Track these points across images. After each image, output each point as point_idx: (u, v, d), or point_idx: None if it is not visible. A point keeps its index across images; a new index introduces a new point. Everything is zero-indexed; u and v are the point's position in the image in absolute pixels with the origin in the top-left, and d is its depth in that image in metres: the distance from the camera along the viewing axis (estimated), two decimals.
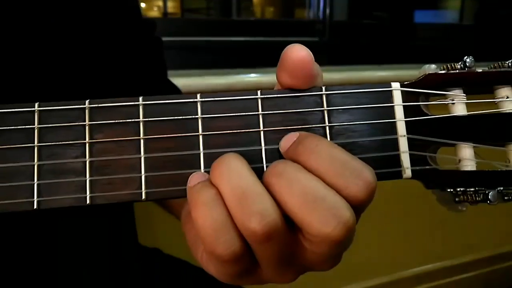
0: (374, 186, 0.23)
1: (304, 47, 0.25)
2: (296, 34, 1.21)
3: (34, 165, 0.25)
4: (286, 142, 0.25)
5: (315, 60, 0.26)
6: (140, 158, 0.25)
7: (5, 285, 0.38)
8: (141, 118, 0.26)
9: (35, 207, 0.25)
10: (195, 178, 0.24)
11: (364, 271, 1.10)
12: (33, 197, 0.25)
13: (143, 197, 0.25)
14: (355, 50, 1.21)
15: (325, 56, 1.12)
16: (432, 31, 1.51)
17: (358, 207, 0.23)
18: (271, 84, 1.10)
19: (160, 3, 1.37)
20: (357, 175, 0.22)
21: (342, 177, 0.22)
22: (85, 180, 0.25)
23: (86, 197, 0.25)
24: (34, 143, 0.25)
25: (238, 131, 0.26)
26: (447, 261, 1.21)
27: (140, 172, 0.25)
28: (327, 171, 0.23)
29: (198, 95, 0.26)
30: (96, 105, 0.26)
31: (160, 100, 0.26)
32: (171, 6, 1.43)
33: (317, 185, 0.22)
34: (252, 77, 0.98)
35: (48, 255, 0.40)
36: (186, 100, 0.26)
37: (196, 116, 0.26)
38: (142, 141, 0.25)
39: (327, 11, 1.13)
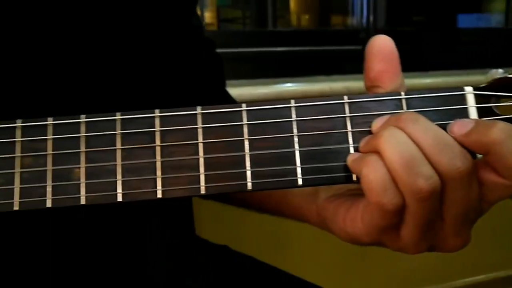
0: None
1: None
2: (337, 43, 1.25)
3: (156, 162, 0.31)
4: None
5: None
6: (245, 155, 0.31)
7: (66, 275, 0.43)
8: (245, 121, 0.31)
9: (159, 196, 0.31)
10: (356, 154, 0.31)
11: (416, 280, 1.12)
12: (156, 188, 0.31)
13: (249, 187, 0.31)
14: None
15: None
16: (476, 35, 1.52)
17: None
18: (307, 93, 1.13)
19: (198, 13, 1.44)
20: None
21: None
22: (198, 175, 0.31)
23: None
24: (155, 143, 0.32)
25: (328, 132, 0.31)
26: (500, 272, 1.21)
27: (245, 168, 0.31)
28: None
29: (292, 101, 0.32)
30: (208, 111, 0.32)
31: (262, 106, 0.32)
32: (208, 17, 1.51)
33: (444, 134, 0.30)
34: (287, 87, 1.04)
35: (112, 248, 0.46)
36: (283, 105, 0.32)
37: (291, 119, 0.31)
38: (247, 141, 0.31)
39: (371, 18, 1.17)
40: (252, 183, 0.31)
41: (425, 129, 0.29)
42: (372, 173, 0.29)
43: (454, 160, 0.29)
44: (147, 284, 0.47)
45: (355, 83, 1.03)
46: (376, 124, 0.31)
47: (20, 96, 0.40)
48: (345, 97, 0.31)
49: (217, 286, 0.53)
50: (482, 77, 0.32)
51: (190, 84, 0.52)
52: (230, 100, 0.57)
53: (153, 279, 0.48)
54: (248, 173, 0.31)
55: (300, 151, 0.31)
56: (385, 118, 0.31)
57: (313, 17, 1.46)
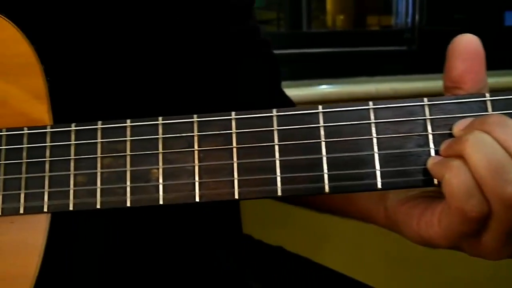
0: None
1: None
2: (378, 44, 1.23)
3: (233, 163, 0.32)
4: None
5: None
6: (322, 157, 0.31)
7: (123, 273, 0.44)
8: (321, 124, 0.32)
9: (236, 197, 0.32)
10: (437, 157, 0.31)
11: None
12: (233, 189, 0.32)
13: (327, 190, 0.31)
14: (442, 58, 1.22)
15: (415, 65, 1.13)
16: None
17: None
18: (351, 95, 1.11)
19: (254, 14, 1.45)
20: None
21: None
22: (275, 177, 0.32)
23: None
24: (232, 145, 0.32)
25: (408, 134, 0.31)
26: None
27: (322, 170, 0.31)
28: None
29: (370, 103, 0.32)
30: (283, 113, 0.32)
31: (338, 108, 0.32)
32: None
33: None
34: (322, 89, 1.03)
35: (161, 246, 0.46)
36: (361, 107, 0.32)
37: (370, 121, 0.31)
38: (323, 143, 0.31)
39: (417, 18, 1.15)
40: (329, 185, 0.31)
41: None
42: (455, 179, 0.29)
43: None
44: (208, 285, 0.48)
45: (401, 84, 1.02)
46: (459, 127, 0.30)
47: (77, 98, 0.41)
48: (425, 99, 0.31)
49: (276, 286, 0.53)
50: None
51: (246, 85, 0.52)
52: (286, 100, 0.58)
53: (214, 280, 0.48)
54: (325, 176, 0.31)
55: (379, 154, 0.31)
56: (468, 120, 0.30)
57: (349, 17, 1.45)
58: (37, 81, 0.37)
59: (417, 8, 1.14)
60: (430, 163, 0.31)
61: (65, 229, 0.39)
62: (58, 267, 0.39)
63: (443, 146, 0.31)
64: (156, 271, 0.47)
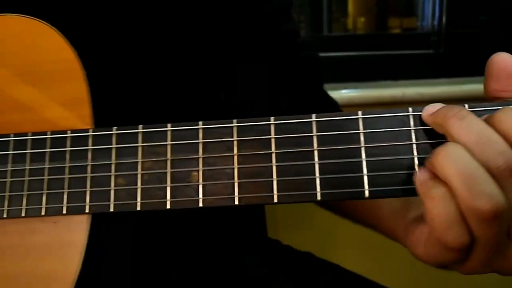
0: None
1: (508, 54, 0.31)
2: (402, 47, 1.22)
3: (272, 166, 0.33)
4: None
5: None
6: (362, 161, 0.32)
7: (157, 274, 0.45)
8: (361, 130, 0.32)
9: (275, 200, 0.32)
10: (423, 174, 0.29)
11: None
12: (272, 192, 0.33)
13: (367, 195, 0.31)
14: (471, 61, 1.20)
15: (442, 68, 1.12)
16: None
17: None
18: (378, 99, 1.09)
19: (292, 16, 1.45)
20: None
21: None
22: (314, 178, 0.32)
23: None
24: (271, 149, 0.33)
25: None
26: None
27: (362, 175, 0.32)
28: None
29: (410, 109, 0.32)
30: (322, 119, 0.33)
31: (378, 114, 0.32)
32: None
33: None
34: (346, 93, 1.03)
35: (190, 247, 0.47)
36: (401, 114, 0.32)
37: (409, 128, 0.32)
38: (363, 149, 0.32)
39: (444, 20, 1.14)
40: (369, 191, 0.31)
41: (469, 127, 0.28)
42: (436, 210, 0.28)
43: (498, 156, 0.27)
44: None
45: (428, 89, 1.01)
46: (427, 112, 0.31)
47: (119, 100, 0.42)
48: (466, 106, 0.31)
49: None
50: None
51: (287, 87, 0.53)
52: (328, 100, 0.58)
53: (243, 285, 0.49)
54: (365, 180, 0.31)
55: (418, 158, 0.31)
56: (436, 106, 0.30)
57: (370, 20, 1.44)
58: (79, 86, 0.39)
59: (444, 10, 1.13)
60: (417, 181, 0.29)
61: (98, 230, 0.40)
62: (92, 266, 0.40)
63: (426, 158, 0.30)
64: (185, 275, 0.47)
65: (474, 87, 1.00)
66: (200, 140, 0.34)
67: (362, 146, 0.32)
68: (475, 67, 1.16)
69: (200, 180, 0.33)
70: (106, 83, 0.42)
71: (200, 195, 0.33)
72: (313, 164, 0.32)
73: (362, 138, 0.32)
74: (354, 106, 1.01)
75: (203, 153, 0.34)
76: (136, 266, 0.46)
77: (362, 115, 0.32)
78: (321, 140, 0.32)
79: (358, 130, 0.32)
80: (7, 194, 0.39)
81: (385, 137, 0.32)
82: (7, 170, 0.39)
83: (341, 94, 1.01)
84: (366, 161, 0.32)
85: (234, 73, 0.48)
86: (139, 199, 0.34)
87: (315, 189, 0.32)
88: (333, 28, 1.34)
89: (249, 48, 0.49)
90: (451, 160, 0.27)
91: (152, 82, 0.44)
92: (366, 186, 0.31)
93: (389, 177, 0.31)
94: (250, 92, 0.49)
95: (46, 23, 0.40)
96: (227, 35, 0.47)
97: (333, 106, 0.58)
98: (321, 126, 0.33)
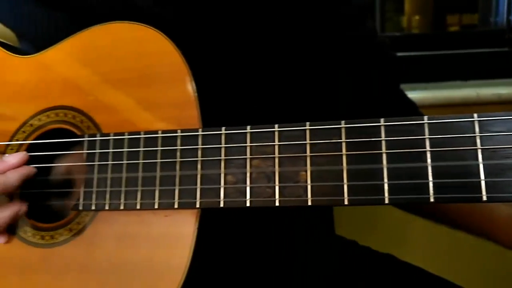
0: None
1: None
2: (476, 45, 1.18)
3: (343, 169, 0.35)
4: None
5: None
6: (427, 166, 0.33)
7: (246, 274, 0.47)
8: (426, 135, 0.34)
9: (345, 203, 0.35)
10: None
11: None
12: (343, 196, 0.35)
13: (432, 200, 0.33)
14: None
15: None
16: None
17: None
18: (449, 100, 1.06)
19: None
20: None
21: None
22: (382, 184, 0.34)
23: (384, 198, 0.34)
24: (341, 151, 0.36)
25: None
26: None
27: (428, 179, 0.33)
28: None
29: (475, 115, 0.33)
30: (390, 124, 0.35)
31: (443, 119, 0.34)
32: None
33: None
34: (417, 94, 0.99)
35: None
36: (466, 119, 0.33)
37: (475, 135, 0.33)
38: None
39: None
40: (435, 197, 0.33)
41: None
42: None
43: None
44: None
45: (505, 89, 0.98)
46: None
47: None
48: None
49: None
50: None
51: (368, 87, 0.54)
52: (406, 100, 0.58)
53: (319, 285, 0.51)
54: (431, 184, 0.33)
55: (483, 164, 0.32)
56: None
57: (425, 18, 1.38)
58: (187, 88, 0.40)
59: None
60: None
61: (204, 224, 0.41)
62: (200, 259, 0.41)
63: None
64: (260, 273, 0.49)
65: None
66: (308, 142, 0.35)
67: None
68: None
69: (309, 180, 0.34)
70: (212, 85, 0.43)
71: (309, 194, 0.34)
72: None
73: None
74: (424, 108, 1.00)
75: (311, 153, 0.35)
76: (233, 259, 0.47)
77: (428, 120, 0.34)
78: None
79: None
80: (123, 188, 0.41)
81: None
82: (122, 164, 0.41)
83: (412, 95, 1.00)
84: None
85: (330, 74, 0.49)
86: (248, 196, 0.35)
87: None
88: (385, 28, 1.32)
89: (334, 49, 0.49)
90: None
91: (254, 85, 0.46)
92: (431, 192, 0.33)
93: (456, 181, 0.32)
94: (335, 93, 0.50)
95: (154, 29, 0.42)
96: (317, 37, 0.48)
97: (412, 107, 0.58)
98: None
